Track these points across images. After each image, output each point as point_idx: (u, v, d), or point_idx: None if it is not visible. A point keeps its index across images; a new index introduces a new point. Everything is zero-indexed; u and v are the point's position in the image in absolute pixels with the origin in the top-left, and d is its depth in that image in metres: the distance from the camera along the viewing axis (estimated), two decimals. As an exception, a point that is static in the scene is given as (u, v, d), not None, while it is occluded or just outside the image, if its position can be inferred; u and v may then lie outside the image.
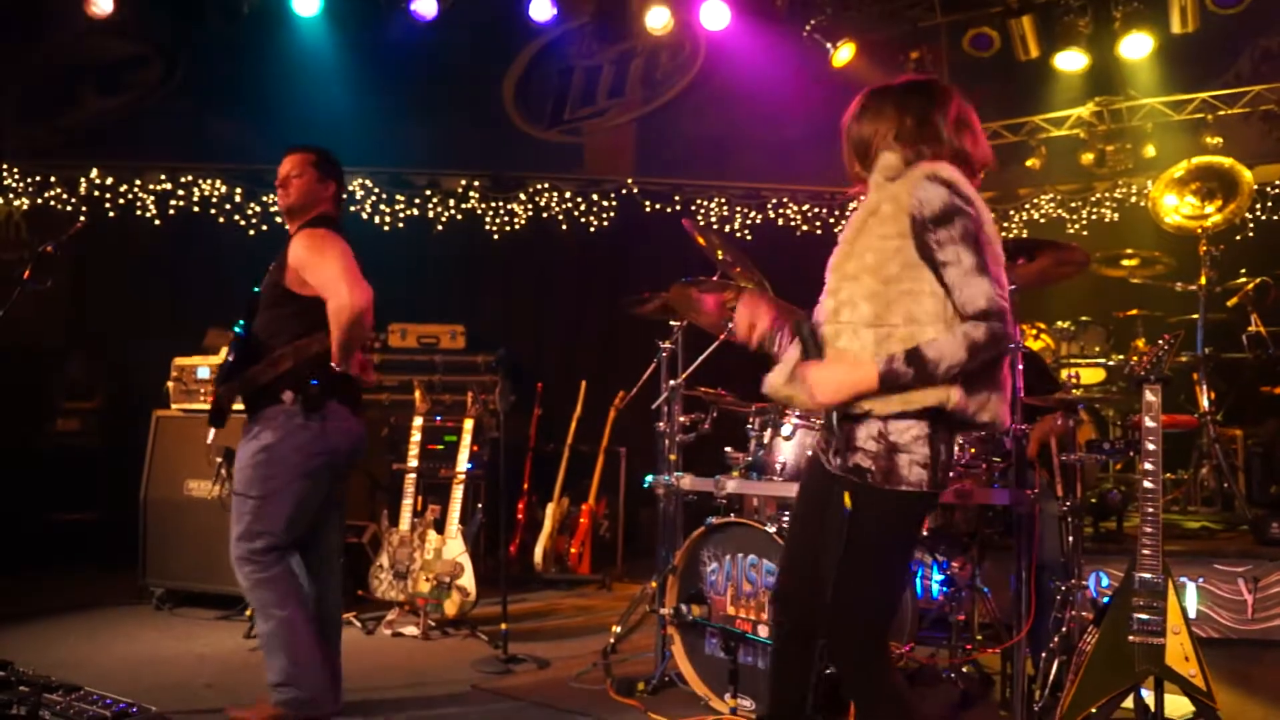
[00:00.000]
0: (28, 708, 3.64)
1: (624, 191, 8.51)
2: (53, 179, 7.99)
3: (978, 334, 2.35)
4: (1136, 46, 7.19)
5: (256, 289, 3.86)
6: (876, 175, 2.60)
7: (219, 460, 5.47)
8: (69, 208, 7.94)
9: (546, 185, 8.43)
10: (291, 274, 3.75)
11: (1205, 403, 6.19)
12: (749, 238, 8.69)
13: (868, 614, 2.51)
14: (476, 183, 8.30)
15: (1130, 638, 3.37)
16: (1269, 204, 7.75)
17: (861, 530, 2.42)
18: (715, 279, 4.42)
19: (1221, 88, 7.61)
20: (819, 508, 2.60)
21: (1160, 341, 3.55)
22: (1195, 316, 6.34)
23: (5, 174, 7.90)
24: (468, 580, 5.38)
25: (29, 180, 7.96)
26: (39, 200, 7.96)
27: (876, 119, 2.62)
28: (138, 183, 8.09)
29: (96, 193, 8.01)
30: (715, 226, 8.49)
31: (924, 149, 2.55)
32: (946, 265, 2.40)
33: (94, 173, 7.99)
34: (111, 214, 8.00)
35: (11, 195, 7.94)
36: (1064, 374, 6.21)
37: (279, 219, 8.00)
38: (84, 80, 7.96)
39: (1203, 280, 6.33)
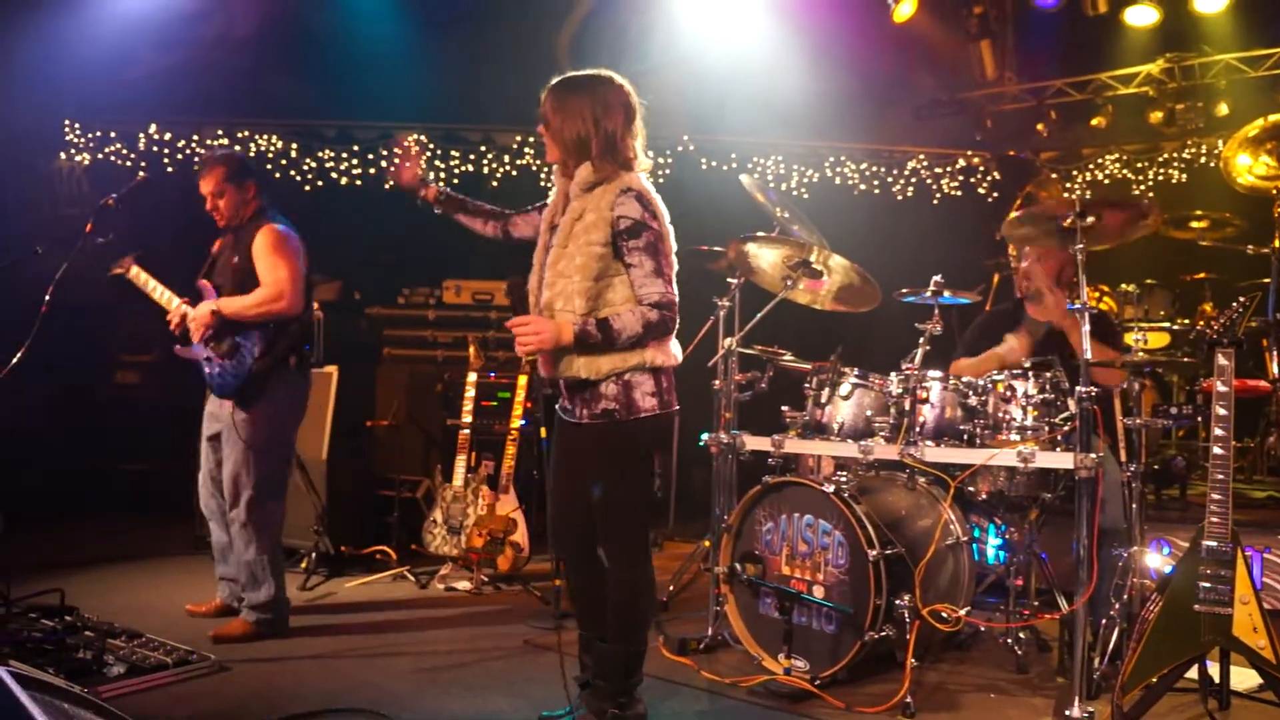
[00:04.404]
0: (93, 652, 3.73)
1: (679, 149, 8.42)
2: (113, 134, 8.07)
3: (651, 315, 3.12)
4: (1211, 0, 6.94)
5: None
6: (575, 185, 3.22)
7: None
8: (129, 163, 8.03)
9: (601, 142, 8.33)
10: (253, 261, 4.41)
11: (1275, 370, 6.02)
12: (806, 196, 8.58)
13: (635, 514, 3.30)
14: (531, 139, 8.26)
15: (1195, 607, 3.29)
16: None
17: (604, 454, 3.22)
18: (774, 236, 4.37)
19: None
20: (570, 457, 3.35)
21: (1234, 304, 3.44)
22: (1267, 281, 6.14)
23: (67, 129, 8.00)
24: (521, 536, 5.40)
25: (90, 135, 8.05)
26: (100, 155, 8.06)
27: (578, 124, 3.19)
28: (195, 138, 8.15)
29: (155, 148, 8.08)
30: (772, 185, 8.38)
31: (615, 162, 3.19)
32: (632, 266, 3.15)
33: (153, 128, 8.06)
34: (170, 169, 8.08)
35: (73, 150, 8.04)
36: (1130, 337, 6.08)
37: (335, 175, 8.08)
38: (143, 36, 7.99)
39: (1276, 243, 6.13)
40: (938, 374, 4.15)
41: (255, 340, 4.34)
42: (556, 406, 3.42)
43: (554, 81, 3.27)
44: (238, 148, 8.15)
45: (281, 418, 4.47)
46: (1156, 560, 4.05)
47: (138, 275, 4.58)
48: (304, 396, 4.57)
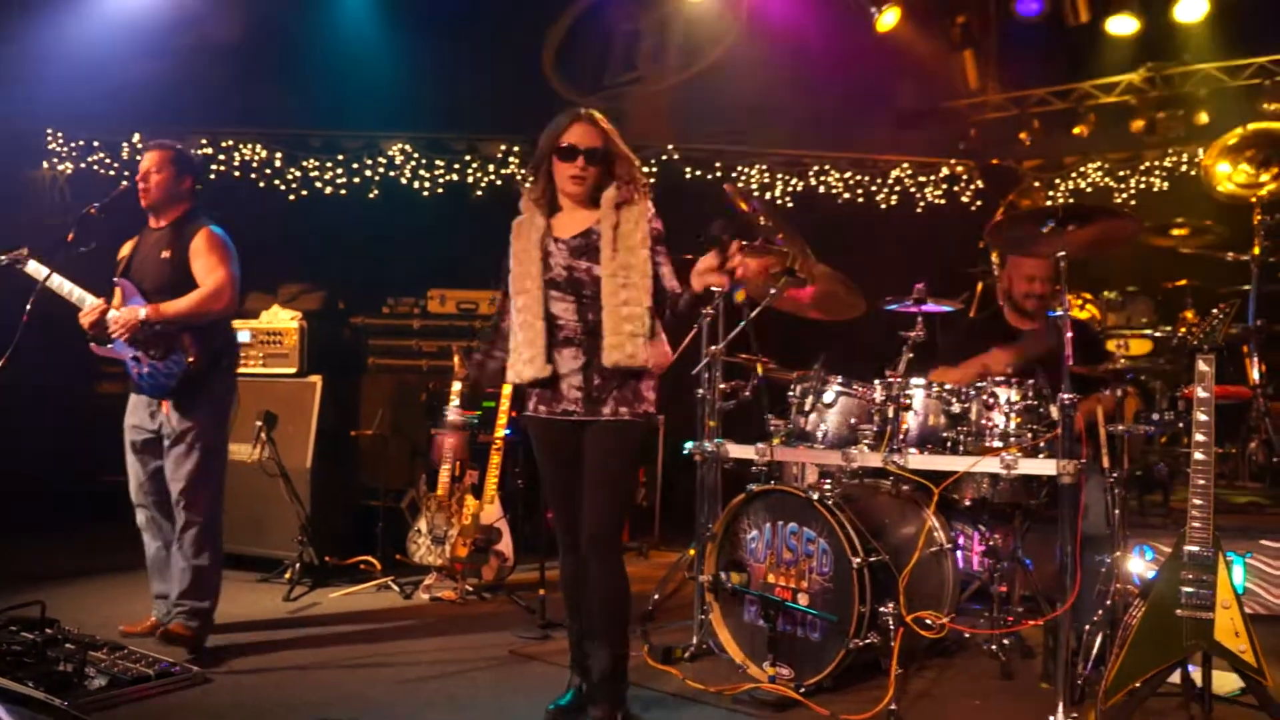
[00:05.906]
0: (74, 665, 3.69)
1: (664, 158, 8.43)
2: (95, 144, 8.04)
3: None
4: (1191, 9, 7.02)
5: None
6: (607, 202, 3.41)
7: (258, 424, 5.52)
8: (111, 172, 7.99)
9: (586, 151, 8.34)
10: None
11: (1256, 376, 6.05)
12: (790, 205, 8.60)
13: (626, 512, 3.59)
14: (516, 148, 8.26)
15: (1178, 612, 3.31)
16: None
17: (631, 452, 3.41)
18: (756, 245, 4.37)
19: (1281, 51, 7.41)
20: (576, 459, 3.41)
21: (1215, 310, 3.46)
22: (1247, 288, 6.18)
23: (49, 138, 7.96)
24: (506, 545, 5.38)
25: (72, 145, 8.01)
26: (82, 165, 8.03)
27: (618, 152, 3.45)
28: (178, 147, 8.09)
29: (138, 157, 8.01)
30: (756, 193, 8.40)
31: (631, 182, 3.46)
32: (661, 266, 3.41)
33: (136, 138, 8.03)
34: (153, 178, 8.03)
35: (55, 160, 8.00)
36: (1112, 345, 6.11)
37: (319, 184, 8.06)
38: (127, 45, 7.96)
39: (1256, 250, 6.16)
40: (921, 382, 4.16)
41: (189, 340, 4.31)
42: (538, 409, 3.50)
43: (593, 114, 3.46)
44: (222, 157, 8.13)
45: (223, 416, 4.50)
46: (1139, 566, 4.07)
47: (38, 270, 4.37)
48: (235, 396, 4.64)
